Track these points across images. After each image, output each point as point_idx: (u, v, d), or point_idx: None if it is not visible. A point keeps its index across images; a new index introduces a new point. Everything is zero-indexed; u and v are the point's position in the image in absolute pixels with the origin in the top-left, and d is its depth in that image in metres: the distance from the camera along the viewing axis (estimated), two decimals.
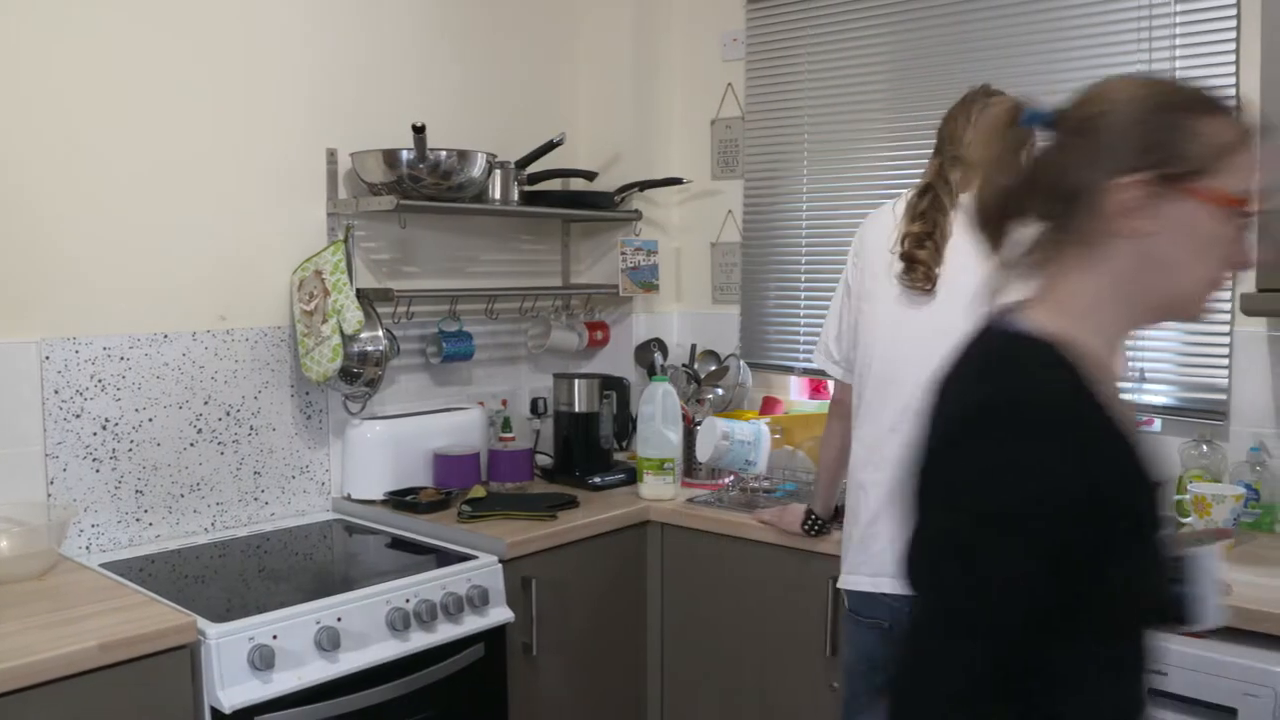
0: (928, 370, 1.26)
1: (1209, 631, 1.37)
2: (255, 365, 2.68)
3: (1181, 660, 1.94)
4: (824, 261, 3.23)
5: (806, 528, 2.47)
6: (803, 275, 3.29)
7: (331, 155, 2.80)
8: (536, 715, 2.55)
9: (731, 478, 2.86)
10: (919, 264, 2.07)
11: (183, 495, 2.55)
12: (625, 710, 2.79)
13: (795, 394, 3.38)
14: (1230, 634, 1.93)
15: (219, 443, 2.61)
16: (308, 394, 2.79)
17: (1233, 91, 2.49)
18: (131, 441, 2.46)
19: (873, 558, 2.10)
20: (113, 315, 2.42)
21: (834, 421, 2.36)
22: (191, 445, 2.56)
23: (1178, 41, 2.58)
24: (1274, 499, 2.45)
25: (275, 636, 1.99)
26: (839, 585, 2.20)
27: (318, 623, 2.06)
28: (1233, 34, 2.50)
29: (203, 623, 1.94)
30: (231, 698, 1.91)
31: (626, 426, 3.27)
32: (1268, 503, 2.44)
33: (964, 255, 1.96)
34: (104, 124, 2.39)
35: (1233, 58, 2.50)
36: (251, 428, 2.67)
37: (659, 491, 2.83)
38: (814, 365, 2.42)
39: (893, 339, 2.11)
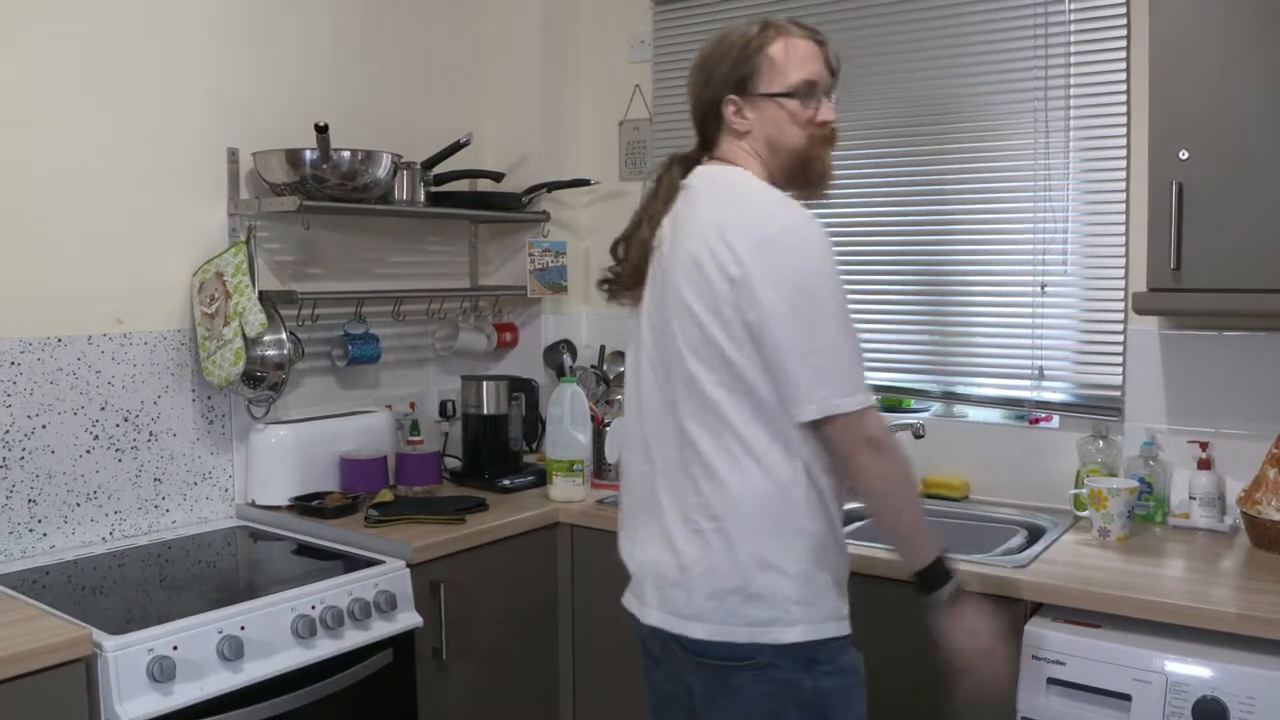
0: None
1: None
2: (154, 369, 2.62)
3: (1077, 650, 2.00)
4: None
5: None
6: None
7: (233, 155, 2.75)
8: None
9: None
10: None
11: (79, 504, 2.48)
12: (538, 713, 2.79)
13: None
14: (1123, 623, 2.00)
15: (117, 449, 2.55)
16: (209, 398, 2.73)
17: (1124, 87, 2.57)
18: (24, 449, 2.38)
19: None
20: (3, 318, 2.35)
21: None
22: (88, 452, 2.50)
23: (1072, 37, 2.66)
24: (1165, 491, 2.53)
25: (175, 647, 1.94)
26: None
27: (220, 632, 2.02)
28: (1123, 30, 2.58)
29: (99, 635, 1.89)
30: (130, 711, 1.86)
31: (535, 428, 3.27)
32: (1159, 495, 2.53)
33: None
34: None
35: (1123, 53, 2.58)
36: (151, 433, 2.61)
37: (568, 493, 2.83)
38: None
39: None
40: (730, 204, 1.80)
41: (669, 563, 1.78)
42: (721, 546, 1.73)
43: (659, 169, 1.98)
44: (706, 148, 1.94)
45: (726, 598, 1.72)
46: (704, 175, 1.89)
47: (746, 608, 1.72)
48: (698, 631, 1.75)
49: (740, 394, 1.73)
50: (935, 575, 1.78)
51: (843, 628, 1.77)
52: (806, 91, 1.85)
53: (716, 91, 1.88)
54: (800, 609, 1.72)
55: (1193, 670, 1.88)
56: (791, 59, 1.85)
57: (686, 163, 1.94)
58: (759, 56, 1.85)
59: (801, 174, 1.89)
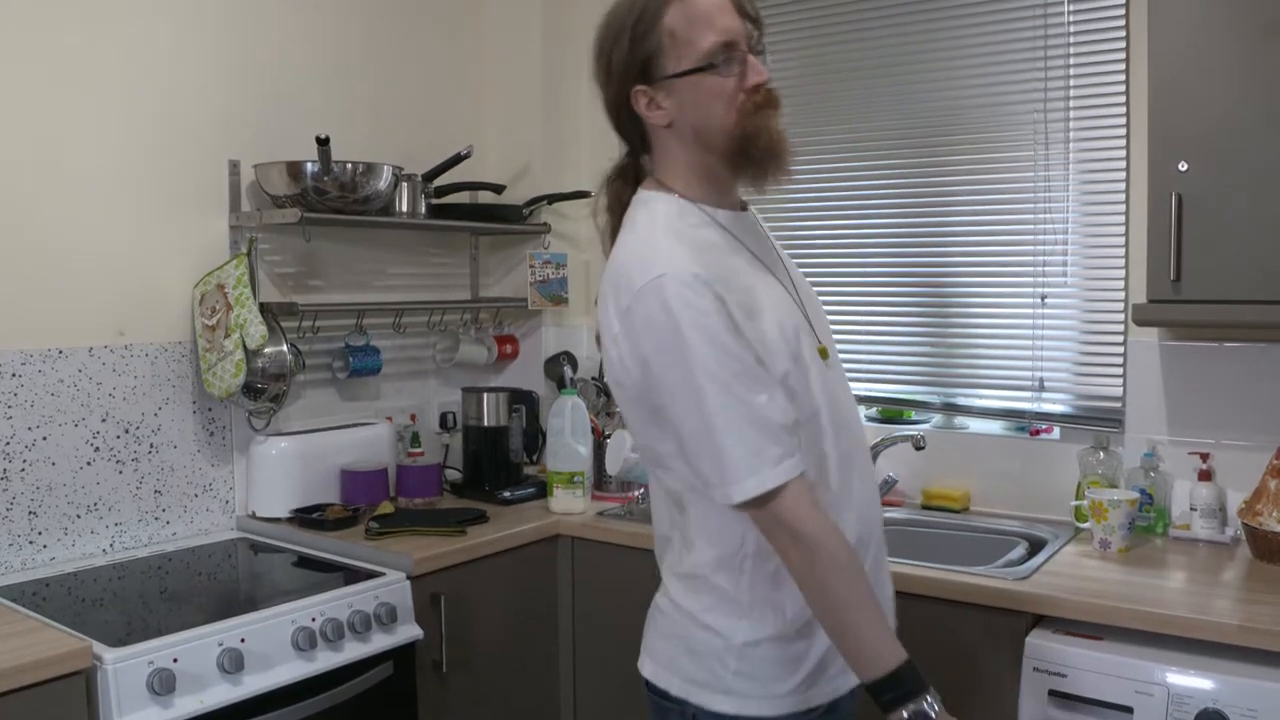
0: None
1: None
2: (155, 381, 2.62)
3: (1079, 662, 1.99)
4: None
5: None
6: None
7: (234, 167, 2.76)
8: None
9: (641, 490, 2.87)
10: None
11: (79, 516, 2.48)
12: None
13: None
14: (1125, 635, 2.00)
15: (117, 461, 2.55)
16: (210, 410, 2.73)
17: (1124, 99, 2.58)
18: (24, 461, 2.39)
19: None
20: (3, 330, 2.35)
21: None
22: (88, 464, 2.50)
23: (1072, 50, 2.67)
24: (1166, 503, 2.53)
25: (176, 660, 1.94)
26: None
27: (220, 644, 2.01)
28: (1122, 43, 2.59)
29: (99, 647, 1.89)
30: None
31: (536, 440, 3.27)
32: (1160, 506, 2.52)
33: None
34: None
35: (1123, 65, 2.59)
36: (152, 445, 2.61)
37: (569, 505, 2.83)
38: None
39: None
40: (612, 259, 1.60)
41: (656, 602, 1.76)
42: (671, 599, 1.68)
43: (599, 191, 1.74)
44: (635, 153, 1.70)
45: (673, 641, 1.65)
46: (631, 205, 1.66)
47: (685, 659, 1.62)
48: (645, 666, 1.71)
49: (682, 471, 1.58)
50: (895, 690, 1.43)
51: (780, 706, 1.57)
52: (724, 57, 1.55)
53: (620, 85, 1.60)
54: (736, 680, 1.58)
55: (1194, 682, 1.88)
56: (695, 24, 1.54)
57: (624, 178, 1.71)
58: (655, 33, 1.55)
59: (744, 157, 1.57)
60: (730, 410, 1.47)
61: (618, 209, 1.69)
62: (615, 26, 1.61)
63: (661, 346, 1.48)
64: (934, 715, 1.42)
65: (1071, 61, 2.66)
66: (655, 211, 1.60)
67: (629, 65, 1.58)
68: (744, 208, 1.71)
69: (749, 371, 1.49)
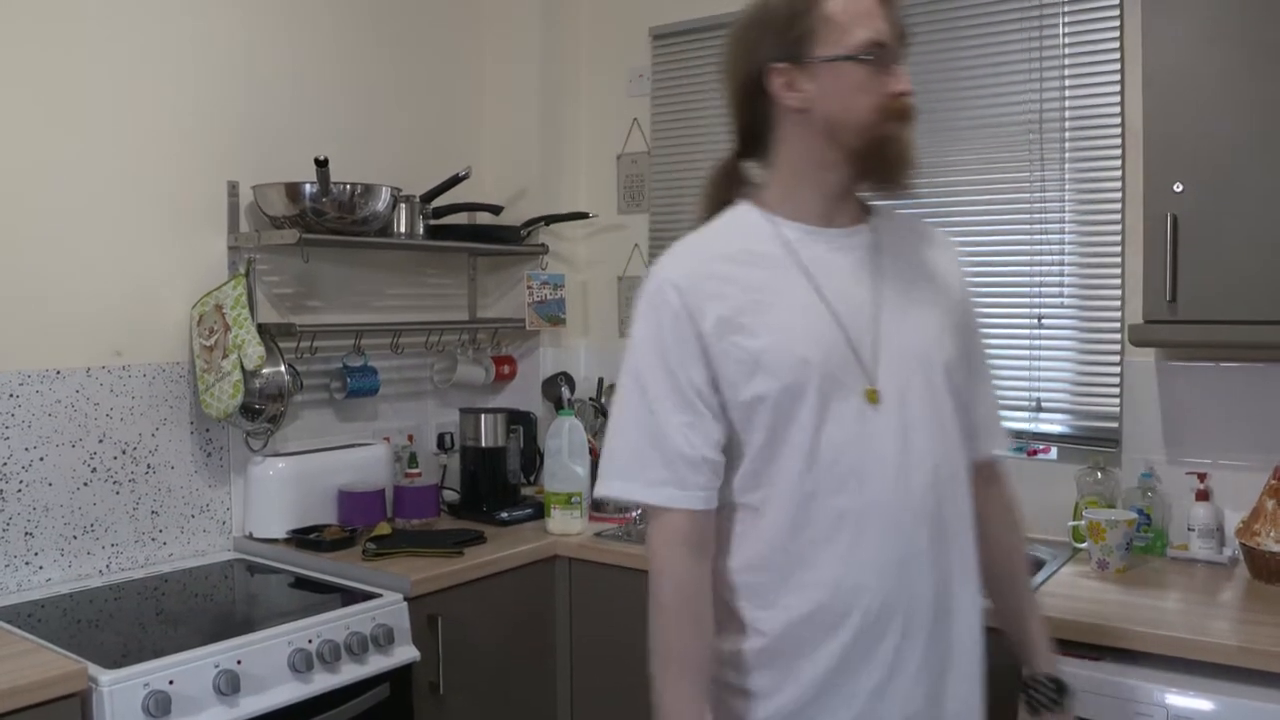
0: None
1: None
2: (153, 402, 2.61)
3: (1078, 683, 1.98)
4: None
5: None
6: None
7: (233, 188, 2.76)
8: None
9: (639, 511, 2.86)
10: None
11: (75, 537, 2.48)
12: None
13: None
14: (1123, 656, 1.99)
15: (114, 482, 2.54)
16: (208, 431, 2.73)
17: (1118, 120, 2.59)
18: (21, 482, 2.38)
19: None
20: (1, 351, 2.35)
21: None
22: (85, 485, 2.49)
23: (1067, 73, 2.68)
24: (1164, 523, 2.53)
25: (171, 682, 1.93)
26: None
27: (216, 666, 2.00)
28: (1117, 66, 2.60)
29: (95, 669, 1.88)
30: None
31: (534, 461, 3.26)
32: (1158, 527, 2.52)
33: None
34: None
35: (1118, 88, 2.60)
36: (149, 466, 2.61)
37: (566, 526, 2.82)
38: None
39: None
40: None
41: None
42: None
43: (709, 192, 1.69)
44: (746, 149, 1.65)
45: None
46: None
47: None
48: None
49: None
50: None
51: None
52: (877, 54, 1.50)
53: (759, 62, 1.54)
54: None
55: (1194, 703, 1.87)
56: (855, 16, 1.50)
57: (722, 184, 1.67)
58: (812, 15, 1.50)
59: (877, 158, 1.53)
60: (637, 416, 1.53)
61: (711, 210, 1.67)
62: (772, 5, 1.54)
63: (630, 338, 1.57)
64: None
65: (1067, 83, 2.68)
66: (720, 219, 1.63)
67: (774, 42, 1.52)
68: (859, 220, 1.61)
69: (678, 390, 1.50)
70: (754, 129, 1.61)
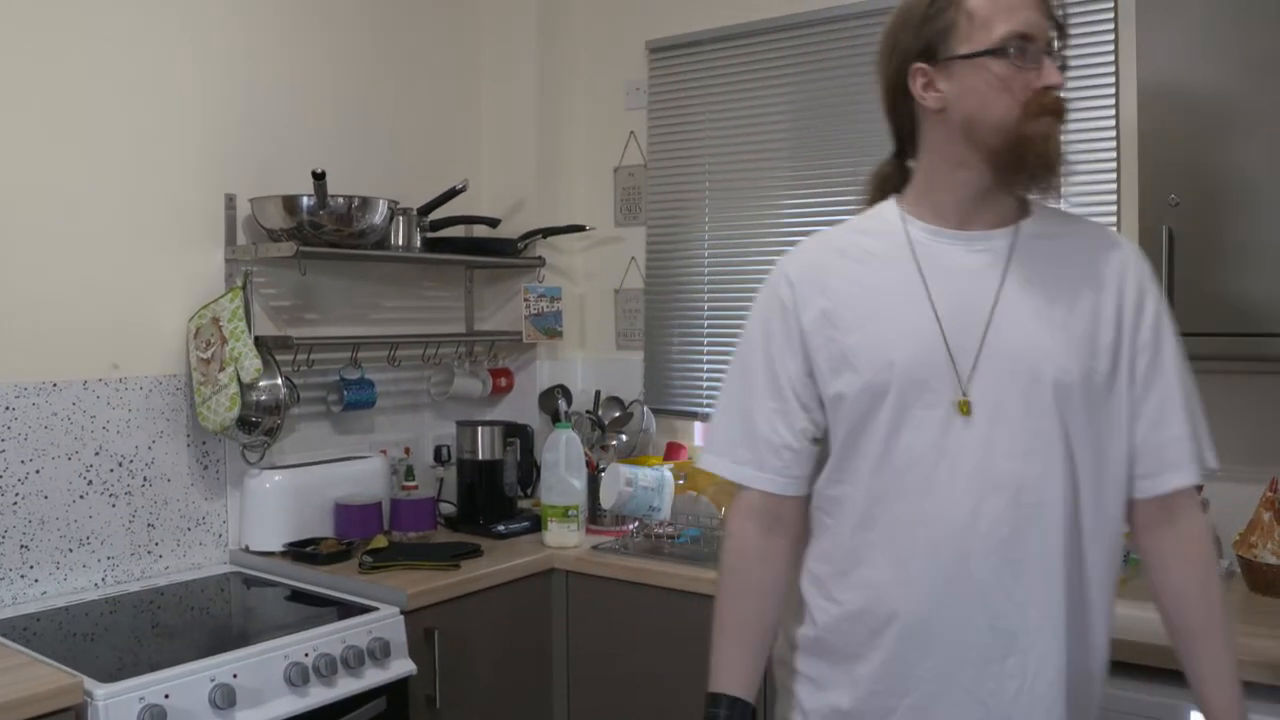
0: None
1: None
2: (149, 414, 2.61)
3: None
4: (726, 307, 3.27)
5: None
6: (705, 321, 3.32)
7: (230, 200, 2.77)
8: None
9: (636, 524, 2.86)
10: None
11: (71, 550, 2.47)
12: None
13: (699, 439, 3.40)
14: (1123, 669, 1.98)
15: (110, 494, 2.54)
16: (204, 444, 2.73)
17: (1113, 133, 2.60)
18: (17, 494, 2.38)
19: None
20: None
21: None
22: (81, 497, 2.49)
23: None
24: None
25: (167, 695, 1.93)
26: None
27: (212, 680, 2.00)
28: (1111, 78, 2.61)
29: (90, 683, 1.87)
30: None
31: (531, 474, 3.26)
32: None
33: None
34: None
35: (1112, 100, 2.61)
36: (145, 479, 2.60)
37: (563, 539, 2.82)
38: None
39: None
40: None
41: None
42: None
43: (867, 189, 1.69)
44: (901, 149, 1.64)
45: None
46: None
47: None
48: None
49: None
50: (708, 707, 1.57)
51: None
52: (1019, 47, 1.44)
53: (901, 62, 1.52)
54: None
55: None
56: (997, 8, 1.44)
57: (880, 188, 1.67)
58: (952, 9, 1.46)
59: (1015, 158, 1.46)
60: (735, 397, 1.61)
61: (867, 206, 1.67)
62: (912, 2, 1.53)
63: (747, 321, 1.64)
64: None
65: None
66: (861, 214, 1.65)
67: (915, 40, 1.50)
68: (1005, 223, 1.54)
69: (773, 378, 1.57)
70: (901, 130, 1.61)
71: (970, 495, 1.45)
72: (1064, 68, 1.49)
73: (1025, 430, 1.45)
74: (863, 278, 1.54)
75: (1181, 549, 1.53)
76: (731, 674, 1.58)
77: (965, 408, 1.46)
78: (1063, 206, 1.65)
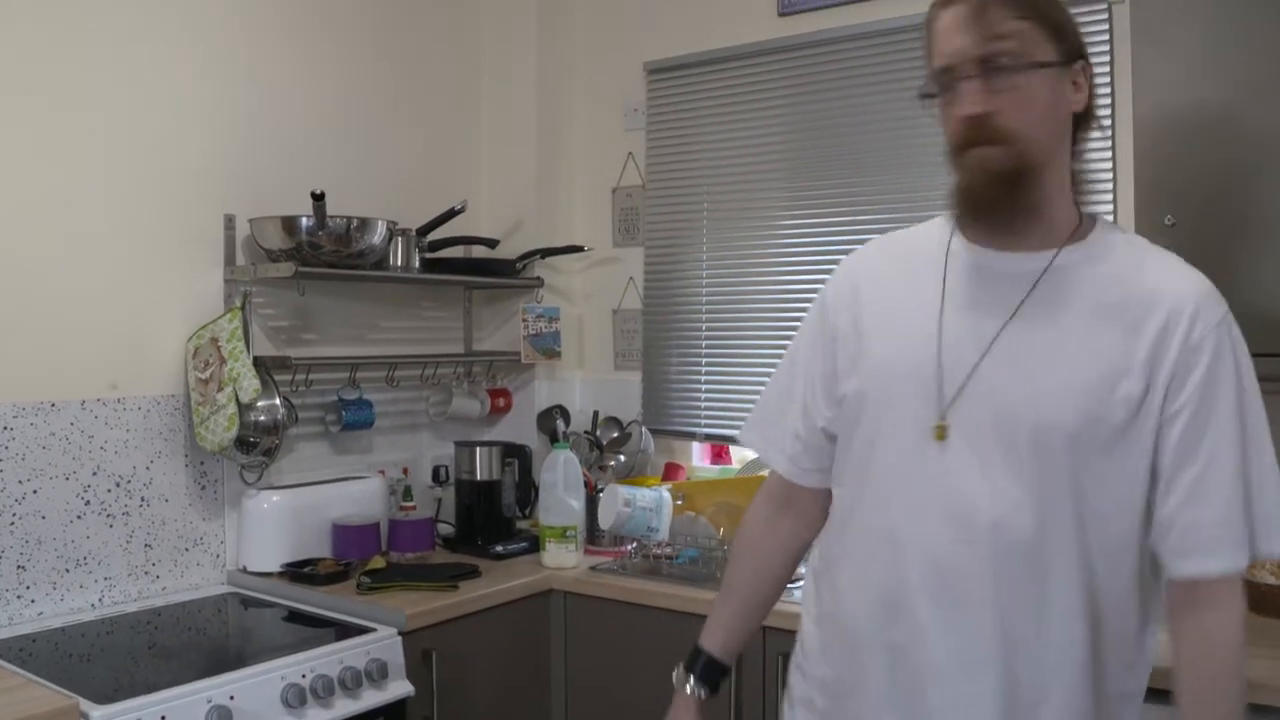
0: None
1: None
2: (148, 435, 2.61)
3: None
4: (724, 327, 3.28)
5: None
6: (704, 342, 3.33)
7: (229, 221, 2.77)
8: None
9: (634, 545, 2.86)
10: None
11: (68, 570, 2.46)
12: None
13: (697, 460, 3.40)
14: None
15: (108, 515, 2.53)
16: (202, 464, 2.72)
17: (1109, 154, 2.61)
18: (14, 515, 2.37)
19: None
20: None
21: None
22: (79, 518, 2.48)
23: None
24: None
25: (164, 717, 1.92)
26: None
27: (209, 701, 1.99)
28: (1107, 99, 2.62)
29: (86, 704, 1.86)
30: None
31: (529, 494, 3.26)
32: None
33: None
34: None
35: (1108, 121, 2.62)
36: (143, 499, 2.60)
37: (562, 560, 2.81)
38: None
39: None
40: None
41: None
42: None
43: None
44: None
45: None
46: None
47: None
48: None
49: None
50: (687, 657, 1.74)
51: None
52: (943, 83, 1.42)
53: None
54: None
55: None
56: (935, 42, 1.44)
57: None
58: (927, 36, 1.47)
59: (953, 198, 1.47)
60: (778, 382, 1.70)
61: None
62: None
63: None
64: (674, 682, 1.71)
65: None
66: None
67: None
68: (1050, 245, 1.45)
69: (808, 372, 1.63)
70: None
71: (928, 521, 1.42)
72: (1002, 69, 1.37)
73: (995, 466, 1.38)
74: (893, 286, 1.55)
75: (1200, 645, 1.39)
76: (711, 631, 1.73)
77: (941, 433, 1.42)
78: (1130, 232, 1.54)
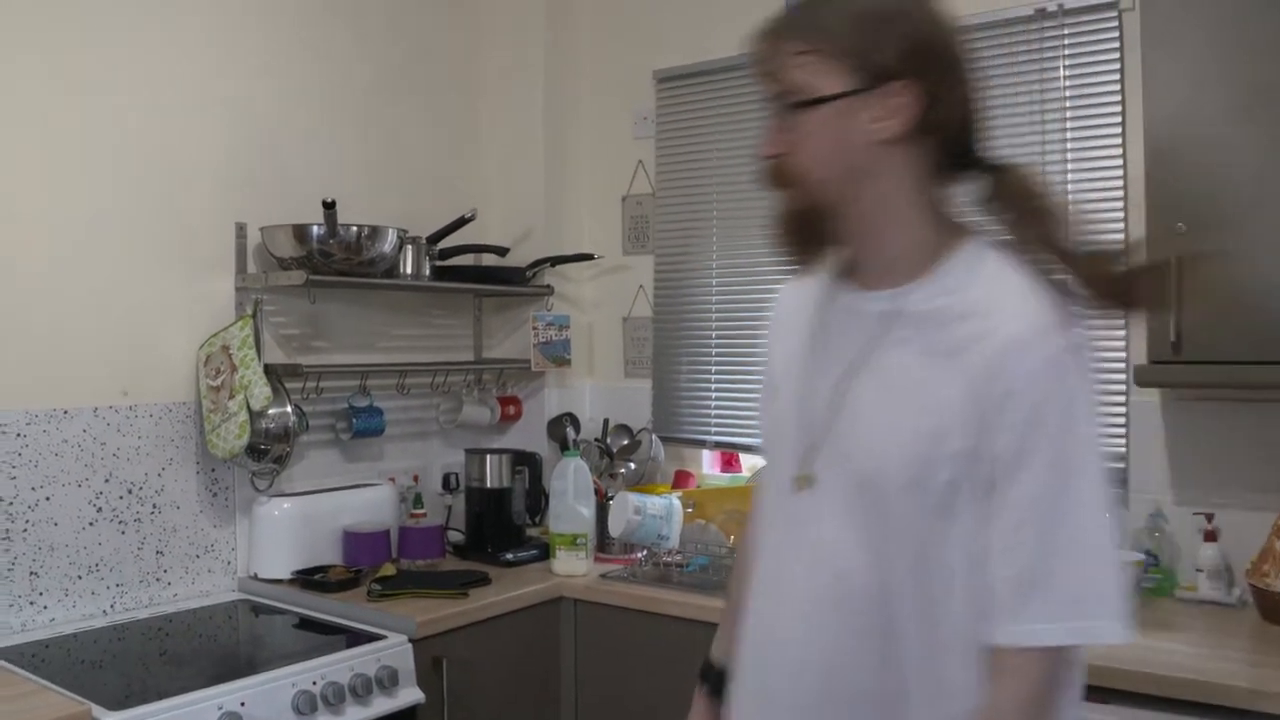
0: None
1: None
2: (159, 442, 2.62)
3: None
4: (735, 335, 3.28)
5: None
6: (713, 349, 3.33)
7: (241, 229, 2.78)
8: None
9: (644, 552, 2.86)
10: None
11: (80, 577, 2.47)
12: None
13: (707, 467, 3.40)
14: (1132, 699, 1.97)
15: (120, 521, 2.54)
16: (213, 471, 2.73)
17: (1121, 162, 2.61)
18: (27, 521, 2.38)
19: None
20: (9, 390, 2.36)
21: None
22: (91, 524, 2.49)
23: (1068, 116, 2.70)
24: (1173, 564, 2.52)
25: None
26: None
27: (220, 708, 2.00)
28: (1118, 108, 2.62)
29: (98, 710, 1.87)
30: None
31: (539, 502, 3.26)
32: (1166, 568, 2.51)
33: None
34: (4, 195, 2.35)
35: (1119, 129, 2.62)
36: (154, 506, 2.61)
37: (572, 567, 2.82)
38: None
39: None
40: None
41: None
42: None
43: None
44: None
45: None
46: None
47: None
48: None
49: None
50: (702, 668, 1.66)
51: None
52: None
53: None
54: None
55: None
56: None
57: None
58: None
59: None
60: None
61: None
62: None
63: None
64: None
65: (1068, 127, 2.70)
66: None
67: None
68: (896, 283, 1.36)
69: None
70: None
71: (790, 564, 1.39)
72: (792, 107, 1.31)
73: (839, 517, 1.34)
74: (785, 330, 1.53)
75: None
76: (720, 641, 1.66)
77: (803, 483, 1.38)
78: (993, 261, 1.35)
